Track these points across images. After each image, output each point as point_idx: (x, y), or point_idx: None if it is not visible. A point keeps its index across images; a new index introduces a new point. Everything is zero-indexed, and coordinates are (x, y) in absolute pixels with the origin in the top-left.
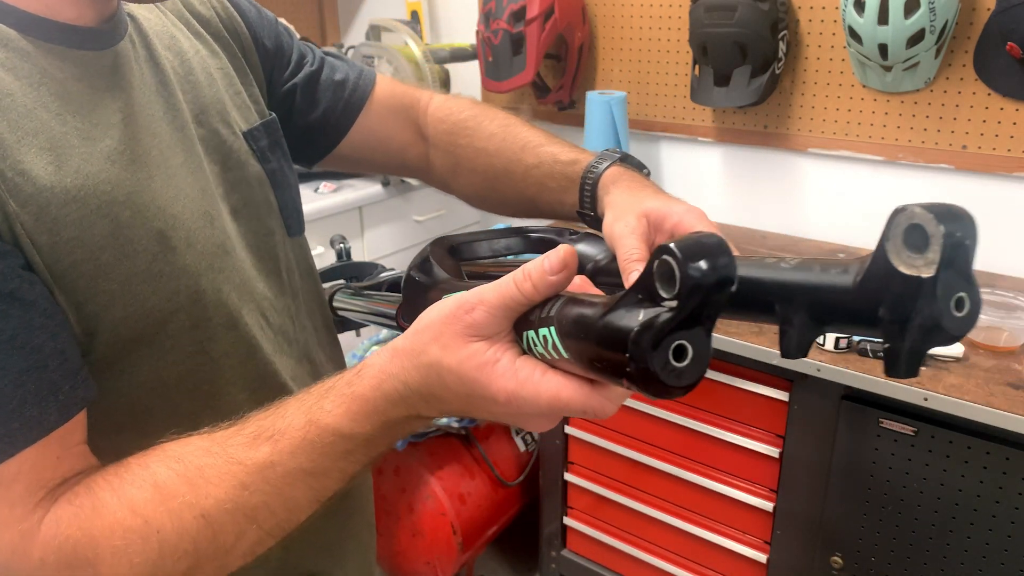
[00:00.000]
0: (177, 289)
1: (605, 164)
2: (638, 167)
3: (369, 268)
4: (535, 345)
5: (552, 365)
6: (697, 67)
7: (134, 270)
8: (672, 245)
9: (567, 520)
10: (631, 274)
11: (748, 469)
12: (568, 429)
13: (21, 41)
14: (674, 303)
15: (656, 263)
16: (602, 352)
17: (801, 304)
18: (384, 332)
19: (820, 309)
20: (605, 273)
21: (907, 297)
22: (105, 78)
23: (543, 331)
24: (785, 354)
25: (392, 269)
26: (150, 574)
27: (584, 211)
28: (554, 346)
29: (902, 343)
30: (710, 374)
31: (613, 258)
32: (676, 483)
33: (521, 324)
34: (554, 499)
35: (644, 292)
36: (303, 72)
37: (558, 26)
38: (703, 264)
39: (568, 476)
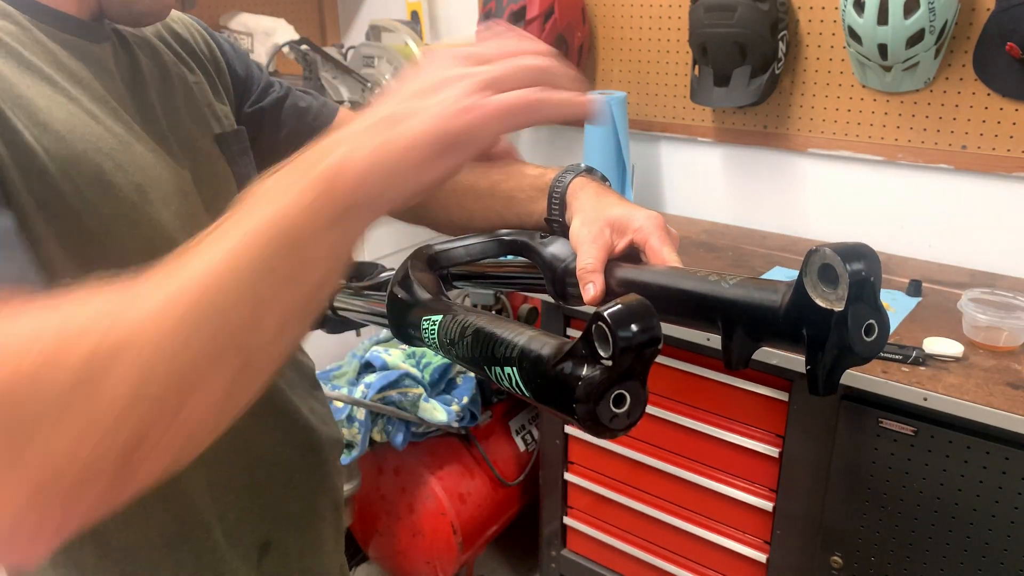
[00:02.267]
0: (153, 239)
1: (572, 175)
2: (601, 179)
3: (369, 268)
4: (501, 380)
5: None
6: (697, 67)
7: (116, 212)
8: (605, 313)
9: (567, 520)
10: (586, 285)
11: (748, 469)
12: (568, 429)
13: (22, 18)
14: (610, 362)
15: (593, 327)
16: (555, 399)
17: (738, 319)
18: (384, 332)
19: (754, 325)
20: (573, 275)
21: (823, 325)
22: (91, 65)
23: (507, 369)
24: (727, 364)
25: (392, 269)
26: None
27: (552, 217)
28: (517, 384)
29: (820, 365)
30: (710, 374)
31: None
32: (676, 483)
33: (489, 360)
34: (554, 499)
35: (587, 348)
36: (269, 97)
37: (558, 26)
38: (633, 327)
39: (568, 476)
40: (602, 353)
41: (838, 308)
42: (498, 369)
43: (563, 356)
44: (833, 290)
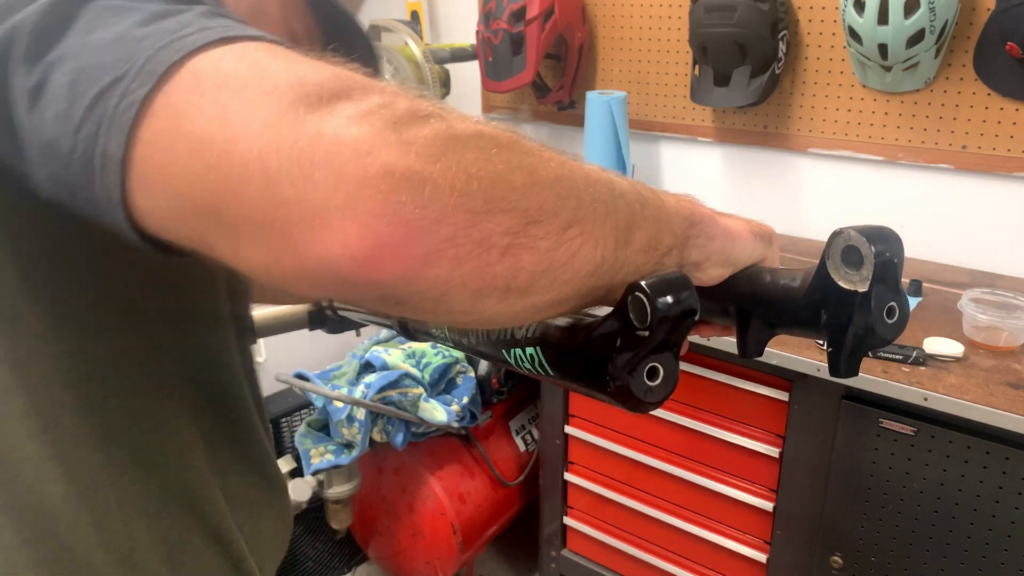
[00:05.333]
0: None
1: None
2: None
3: None
4: (522, 362)
5: (538, 379)
6: (697, 67)
7: None
8: (643, 284)
9: (567, 520)
10: None
11: (748, 469)
12: (568, 429)
13: None
14: (646, 333)
15: (630, 298)
16: (585, 375)
17: (753, 307)
18: (384, 332)
19: (771, 313)
20: None
21: (845, 307)
22: None
23: (529, 350)
24: (742, 353)
25: None
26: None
27: None
28: (540, 364)
29: (843, 346)
30: (710, 374)
31: None
32: (676, 483)
33: (508, 343)
34: (554, 499)
35: (620, 321)
36: None
37: (558, 26)
38: (670, 299)
39: (568, 476)
40: (637, 324)
41: (862, 289)
42: (518, 351)
43: (593, 330)
44: (856, 271)
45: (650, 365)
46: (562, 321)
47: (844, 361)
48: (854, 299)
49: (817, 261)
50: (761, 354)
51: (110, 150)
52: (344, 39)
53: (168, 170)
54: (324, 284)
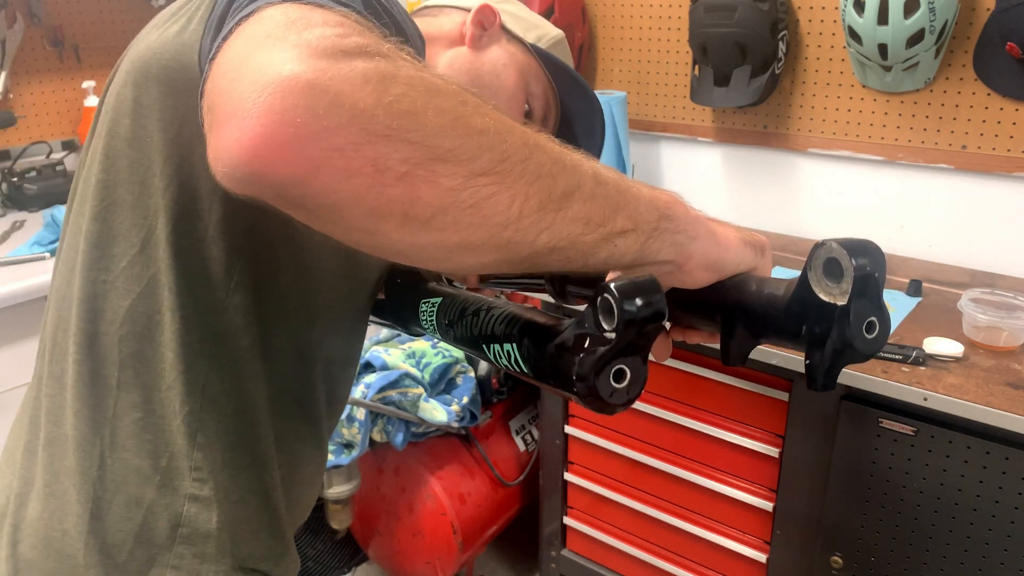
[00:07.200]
0: None
1: None
2: None
3: None
4: (499, 358)
5: (516, 376)
6: (697, 67)
7: None
8: (612, 285)
9: (567, 520)
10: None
11: (748, 469)
12: (568, 429)
13: None
14: (613, 335)
15: (599, 300)
16: (555, 373)
17: (738, 315)
18: (384, 332)
19: (754, 322)
20: (572, 282)
21: (825, 320)
22: None
23: (507, 347)
24: (725, 361)
25: None
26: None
27: None
28: (516, 360)
29: (820, 360)
30: (710, 374)
31: None
32: (676, 483)
33: (488, 338)
34: (554, 499)
35: (590, 323)
36: None
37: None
38: (638, 301)
39: (568, 476)
40: (605, 326)
41: (841, 302)
42: (497, 347)
43: (564, 330)
44: (837, 284)
45: (617, 367)
46: (538, 319)
47: (821, 375)
48: (834, 312)
49: None
50: (744, 363)
51: (210, 49)
52: (573, 94)
53: (216, 69)
54: (236, 176)
